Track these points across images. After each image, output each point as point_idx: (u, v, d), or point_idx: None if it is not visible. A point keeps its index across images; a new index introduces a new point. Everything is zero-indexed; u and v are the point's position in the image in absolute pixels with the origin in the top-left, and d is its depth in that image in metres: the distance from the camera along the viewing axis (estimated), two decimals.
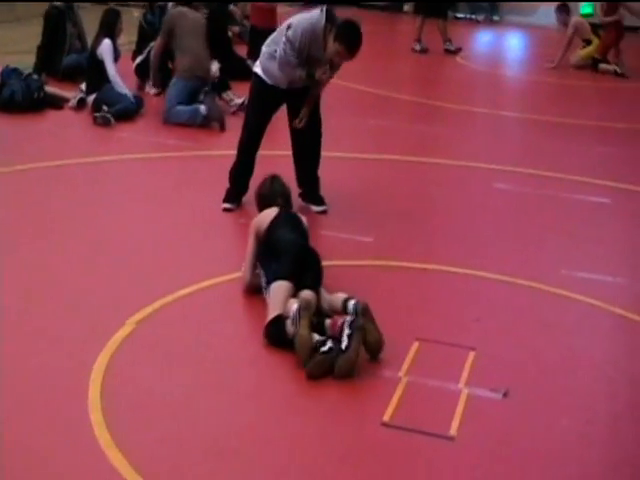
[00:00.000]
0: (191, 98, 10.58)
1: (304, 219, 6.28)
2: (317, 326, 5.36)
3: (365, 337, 5.25)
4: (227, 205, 7.60)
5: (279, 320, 5.39)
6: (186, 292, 6.05)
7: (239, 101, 10.71)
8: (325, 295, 5.72)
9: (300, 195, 7.83)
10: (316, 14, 7.20)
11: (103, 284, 6.19)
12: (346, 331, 5.18)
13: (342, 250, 6.99)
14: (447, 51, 16.74)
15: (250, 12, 12.75)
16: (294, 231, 6.02)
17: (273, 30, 7.94)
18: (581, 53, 16.02)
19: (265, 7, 12.31)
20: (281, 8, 13.76)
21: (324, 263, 5.91)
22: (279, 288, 5.57)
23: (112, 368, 5.06)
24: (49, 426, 4.55)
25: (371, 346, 5.29)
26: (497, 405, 4.97)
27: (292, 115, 7.64)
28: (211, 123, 10.32)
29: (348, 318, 5.28)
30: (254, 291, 6.02)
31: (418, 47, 16.70)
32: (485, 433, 4.73)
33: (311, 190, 7.84)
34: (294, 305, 5.37)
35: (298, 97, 7.49)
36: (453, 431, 4.67)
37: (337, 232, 7.33)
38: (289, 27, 7.25)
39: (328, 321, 5.40)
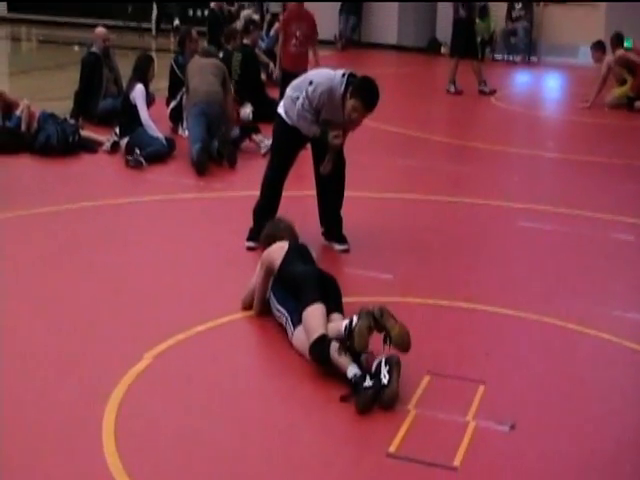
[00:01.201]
0: (208, 132, 10.76)
1: (313, 251, 6.51)
2: (355, 358, 5.49)
3: (390, 335, 5.43)
4: (250, 244, 7.74)
5: (323, 339, 5.53)
6: (204, 328, 6.19)
7: (269, 143, 10.88)
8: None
9: (323, 234, 7.98)
10: (338, 77, 7.31)
11: (125, 317, 6.39)
12: (385, 368, 5.32)
13: (362, 287, 7.09)
14: (482, 92, 16.85)
15: (281, 56, 12.97)
16: (306, 262, 6.23)
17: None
18: (616, 92, 16.05)
19: (296, 52, 12.51)
20: (322, 52, 13.96)
21: (344, 300, 6.07)
22: (315, 311, 5.70)
23: (128, 400, 5.20)
24: (63, 454, 4.69)
25: (398, 340, 5.44)
26: (503, 437, 5.03)
27: (316, 155, 7.80)
28: (222, 160, 10.61)
29: (383, 357, 5.40)
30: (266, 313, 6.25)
31: (452, 89, 16.83)
32: (489, 464, 4.79)
33: (334, 229, 7.97)
34: (344, 322, 5.54)
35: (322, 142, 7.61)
36: (457, 462, 4.74)
37: (358, 269, 7.45)
38: (311, 82, 7.39)
39: (364, 356, 5.54)
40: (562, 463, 4.82)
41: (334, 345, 5.48)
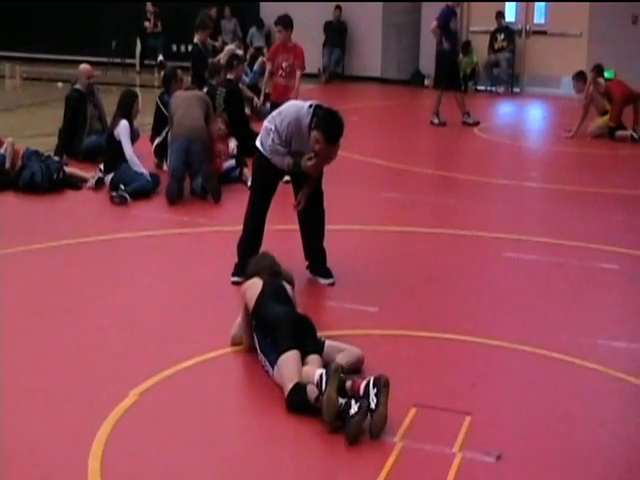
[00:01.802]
0: (188, 164, 10.85)
1: (289, 288, 6.47)
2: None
3: (375, 410, 5.32)
4: (235, 279, 7.74)
5: (299, 387, 5.53)
6: (190, 364, 6.18)
7: None
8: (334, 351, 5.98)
9: (307, 267, 8.00)
10: (305, 108, 7.40)
11: (110, 355, 6.38)
12: (373, 390, 5.34)
13: (348, 320, 7.11)
14: (465, 124, 16.94)
15: (272, 90, 13.01)
16: (282, 303, 6.22)
17: None
18: (598, 122, 16.14)
19: (283, 83, 12.55)
20: (306, 85, 14.00)
21: (330, 333, 6.16)
22: (289, 359, 5.72)
23: (113, 439, 5.18)
24: None
25: (377, 421, 5.32)
26: (489, 468, 5.03)
27: (297, 188, 7.83)
28: (206, 195, 10.66)
29: (371, 378, 5.43)
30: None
31: (436, 120, 16.90)
32: None
33: (318, 263, 7.99)
34: (318, 370, 5.54)
35: (300, 172, 7.64)
36: None
37: (344, 303, 7.46)
38: (280, 113, 7.50)
39: (349, 383, 5.53)
40: None
41: (311, 390, 5.46)
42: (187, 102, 11.23)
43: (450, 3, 16.99)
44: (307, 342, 5.89)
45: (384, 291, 7.79)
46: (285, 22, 12.56)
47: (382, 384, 5.37)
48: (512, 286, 8.17)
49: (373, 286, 7.90)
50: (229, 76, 13.25)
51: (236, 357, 6.39)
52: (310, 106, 7.41)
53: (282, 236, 8.07)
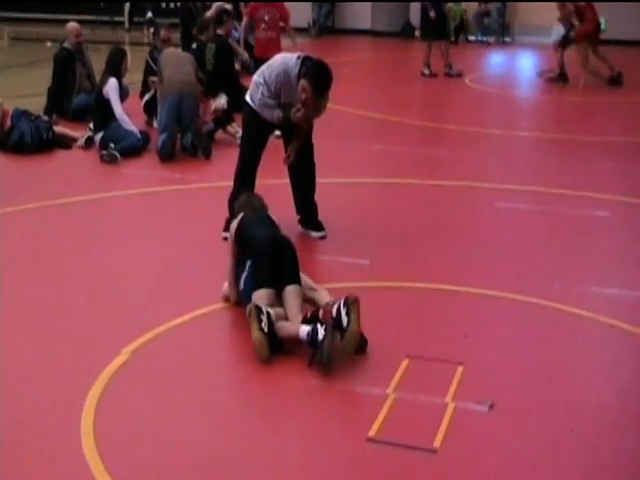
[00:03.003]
0: (179, 121, 10.81)
1: (274, 217, 6.56)
2: (310, 319, 5.62)
3: (347, 328, 5.42)
4: (227, 234, 7.71)
5: (259, 309, 5.61)
6: (181, 320, 6.17)
7: None
8: (309, 287, 6.06)
9: (299, 221, 7.99)
10: (293, 59, 7.37)
11: (101, 314, 6.35)
12: (344, 310, 5.45)
13: (339, 273, 7.11)
14: (447, 75, 16.92)
15: (254, 44, 12.96)
16: (264, 224, 6.32)
17: None
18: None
19: (265, 37, 12.47)
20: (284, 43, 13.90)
21: (323, 286, 6.16)
22: (261, 296, 5.83)
23: (105, 398, 5.16)
24: (42, 455, 4.66)
25: (348, 337, 5.44)
26: (482, 417, 5.04)
27: (287, 143, 7.81)
28: (197, 152, 10.66)
29: (341, 300, 5.52)
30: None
31: (427, 71, 16.87)
32: (468, 445, 4.79)
33: (309, 217, 7.98)
34: (304, 328, 5.55)
35: (290, 126, 7.62)
36: (437, 444, 4.74)
37: (335, 256, 7.46)
38: (269, 66, 7.48)
39: (321, 312, 5.63)
40: (541, 443, 4.82)
41: (280, 323, 5.62)
42: (176, 59, 11.18)
43: None
44: (286, 270, 5.95)
45: (375, 243, 7.78)
46: None
47: (351, 302, 5.47)
48: (504, 236, 8.17)
49: (364, 239, 7.89)
50: (219, 31, 13.15)
51: (226, 313, 6.37)
52: (299, 57, 7.38)
53: (273, 190, 8.03)
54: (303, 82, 7.18)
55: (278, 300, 5.89)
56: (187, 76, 10.97)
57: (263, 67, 7.65)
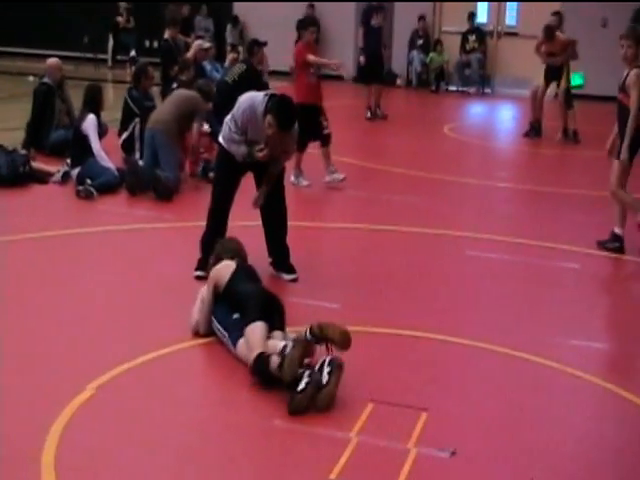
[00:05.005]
0: (154, 156, 10.96)
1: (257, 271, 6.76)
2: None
3: (335, 341, 5.74)
4: (198, 273, 7.75)
5: (262, 357, 5.70)
6: (148, 358, 6.19)
7: None
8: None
9: (271, 264, 8.02)
10: (260, 97, 7.44)
11: (68, 348, 6.35)
12: (327, 369, 5.58)
13: (309, 316, 7.05)
14: (371, 117, 17.53)
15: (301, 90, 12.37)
16: (253, 282, 6.50)
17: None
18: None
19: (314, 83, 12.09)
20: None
21: (292, 328, 6.22)
22: (255, 329, 5.93)
23: (68, 432, 5.17)
24: None
25: (340, 340, 5.77)
26: (444, 464, 5.06)
27: (258, 184, 7.85)
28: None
29: (328, 358, 5.66)
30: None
31: (368, 114, 17.50)
32: None
33: (281, 259, 8.02)
34: (282, 342, 5.78)
35: (261, 167, 7.68)
36: None
37: (305, 299, 7.48)
38: (237, 103, 7.55)
39: (307, 360, 5.80)
40: None
41: (274, 360, 5.65)
42: (169, 99, 11.47)
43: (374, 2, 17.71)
44: (275, 318, 6.13)
45: (346, 288, 7.83)
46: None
47: (336, 365, 5.60)
48: (473, 284, 8.22)
49: (335, 283, 7.94)
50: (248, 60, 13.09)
51: (193, 351, 6.41)
52: (266, 95, 7.47)
53: (246, 232, 8.05)
54: (269, 118, 7.25)
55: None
56: (160, 115, 11.13)
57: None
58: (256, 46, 13.21)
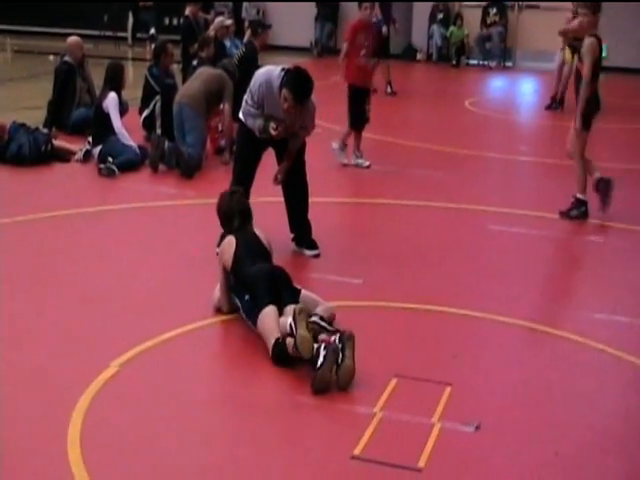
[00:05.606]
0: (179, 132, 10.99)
1: (262, 236, 6.62)
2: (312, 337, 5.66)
3: (340, 364, 5.50)
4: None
5: (279, 342, 5.69)
6: (172, 335, 6.19)
7: None
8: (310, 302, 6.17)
9: (293, 239, 8.02)
10: (277, 71, 7.41)
11: (92, 326, 6.37)
12: (339, 345, 5.50)
13: (332, 292, 7.08)
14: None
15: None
16: (257, 256, 6.38)
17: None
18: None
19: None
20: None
21: None
22: (266, 316, 5.92)
23: (93, 409, 5.18)
24: (28, 465, 4.67)
25: (342, 372, 5.51)
26: (468, 438, 5.05)
27: (279, 160, 7.85)
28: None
29: (337, 335, 5.60)
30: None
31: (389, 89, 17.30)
32: (453, 464, 4.81)
33: (303, 235, 8.01)
34: (288, 319, 5.70)
35: (282, 143, 7.67)
36: (422, 463, 4.76)
37: (328, 274, 7.47)
38: (254, 77, 7.54)
39: (322, 336, 5.73)
40: (526, 464, 4.84)
41: (289, 342, 5.62)
42: (197, 76, 11.46)
43: None
44: (283, 294, 6.09)
45: (369, 263, 7.81)
46: None
47: (346, 338, 5.52)
48: (496, 258, 8.20)
49: (358, 258, 7.93)
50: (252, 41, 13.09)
51: (217, 328, 6.42)
52: (282, 69, 7.43)
53: (267, 208, 8.07)
54: (284, 91, 7.23)
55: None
56: (186, 90, 11.23)
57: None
58: (260, 28, 13.22)
